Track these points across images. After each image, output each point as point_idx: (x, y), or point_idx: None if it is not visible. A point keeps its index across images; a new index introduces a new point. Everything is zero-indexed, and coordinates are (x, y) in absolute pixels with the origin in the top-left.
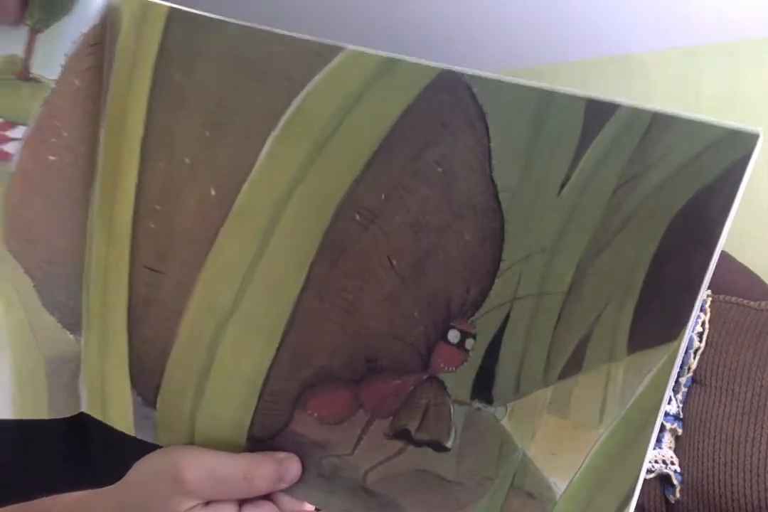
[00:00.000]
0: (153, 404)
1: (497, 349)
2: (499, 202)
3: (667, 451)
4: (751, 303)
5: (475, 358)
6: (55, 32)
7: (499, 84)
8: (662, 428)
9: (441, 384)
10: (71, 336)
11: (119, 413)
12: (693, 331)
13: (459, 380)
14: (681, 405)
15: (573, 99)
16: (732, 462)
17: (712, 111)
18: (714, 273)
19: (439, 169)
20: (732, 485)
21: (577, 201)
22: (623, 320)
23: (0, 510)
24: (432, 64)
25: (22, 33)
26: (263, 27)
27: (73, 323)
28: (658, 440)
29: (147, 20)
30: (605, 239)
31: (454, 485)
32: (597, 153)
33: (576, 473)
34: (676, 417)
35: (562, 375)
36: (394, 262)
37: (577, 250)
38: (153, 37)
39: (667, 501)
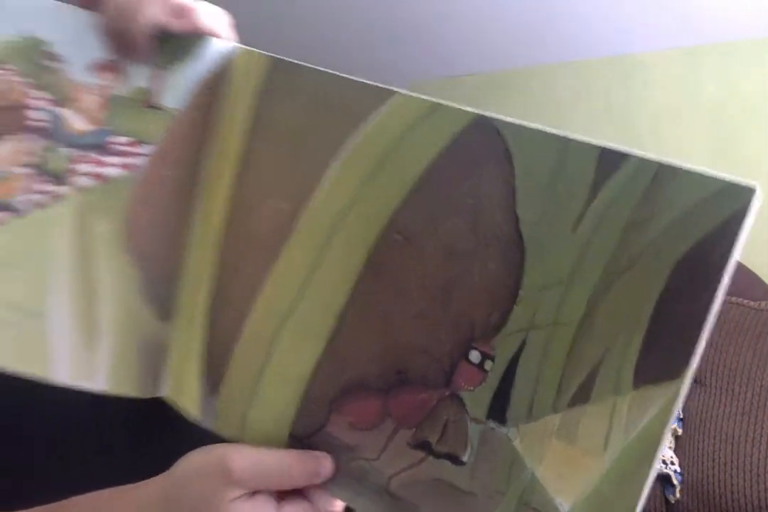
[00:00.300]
0: (218, 395)
1: (513, 373)
2: (520, 235)
3: (667, 451)
4: (751, 303)
5: (493, 380)
6: (180, 72)
7: (524, 129)
8: None
9: (461, 402)
10: (164, 326)
11: (190, 400)
12: None
13: (477, 399)
14: (681, 405)
15: (587, 147)
16: (732, 462)
17: (712, 111)
18: None
19: (470, 201)
20: (732, 485)
21: (590, 238)
22: (630, 355)
23: (44, 507)
24: (469, 109)
25: (151, 70)
26: (339, 74)
27: (166, 315)
28: None
29: (253, 68)
30: (615, 276)
31: (468, 496)
32: (608, 196)
33: (580, 496)
34: (676, 417)
35: (572, 404)
36: (427, 283)
37: (589, 284)
38: (255, 82)
39: (667, 501)
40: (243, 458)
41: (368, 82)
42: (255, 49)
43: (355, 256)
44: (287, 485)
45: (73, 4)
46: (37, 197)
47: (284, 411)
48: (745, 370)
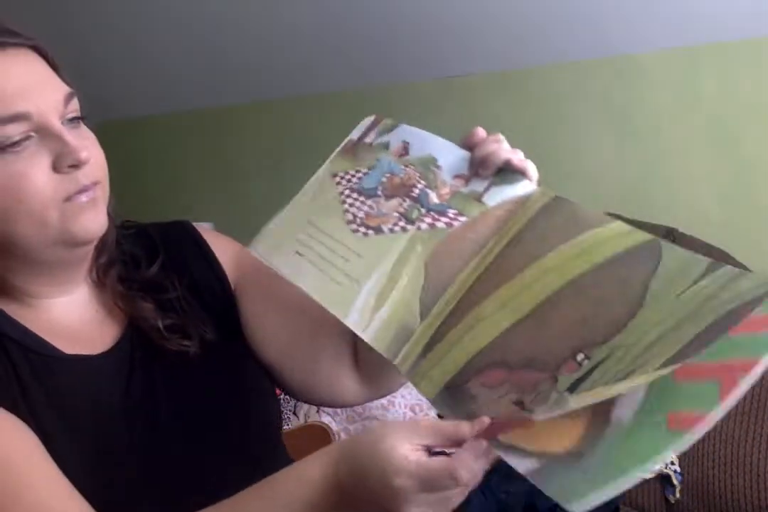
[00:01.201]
0: (423, 360)
1: (595, 369)
2: (644, 296)
3: None
4: None
5: (582, 371)
6: (502, 194)
7: (673, 248)
8: None
9: (555, 381)
10: (418, 320)
11: (407, 363)
12: None
13: (566, 380)
14: None
15: (702, 260)
16: (732, 462)
17: (712, 111)
18: None
19: (624, 274)
20: (732, 485)
21: (683, 304)
22: (668, 359)
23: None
24: (649, 235)
25: (486, 183)
26: (581, 206)
27: (424, 313)
28: None
29: (540, 199)
30: (682, 321)
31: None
32: (704, 283)
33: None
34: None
35: (614, 382)
36: (578, 313)
37: (668, 325)
38: (538, 206)
39: (667, 501)
40: (428, 420)
41: (593, 211)
42: (546, 190)
43: (541, 294)
44: (458, 441)
45: (458, 145)
46: (394, 228)
47: (450, 372)
48: None
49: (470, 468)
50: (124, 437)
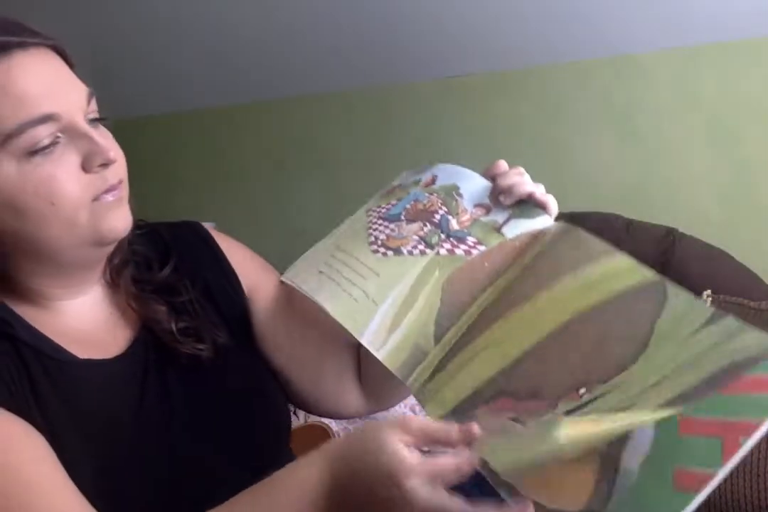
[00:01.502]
0: (432, 380)
1: (593, 401)
2: (650, 338)
3: None
4: (751, 303)
5: (581, 402)
6: (522, 222)
7: (680, 291)
8: None
9: (555, 406)
10: (432, 344)
11: (418, 383)
12: None
13: (564, 406)
14: None
15: (708, 309)
16: None
17: (712, 111)
18: (714, 273)
19: (634, 316)
20: (732, 485)
21: (685, 349)
22: (669, 397)
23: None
24: (654, 274)
25: (506, 214)
26: (587, 235)
27: (438, 337)
28: None
29: (550, 232)
30: (685, 368)
31: (518, 436)
32: (709, 331)
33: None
34: None
35: (613, 411)
36: (582, 349)
37: (667, 370)
38: (551, 238)
39: None
40: (419, 420)
41: (597, 240)
42: (562, 223)
43: (549, 325)
44: (446, 444)
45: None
46: (413, 250)
47: (459, 395)
48: None
49: (473, 463)
50: (136, 440)
